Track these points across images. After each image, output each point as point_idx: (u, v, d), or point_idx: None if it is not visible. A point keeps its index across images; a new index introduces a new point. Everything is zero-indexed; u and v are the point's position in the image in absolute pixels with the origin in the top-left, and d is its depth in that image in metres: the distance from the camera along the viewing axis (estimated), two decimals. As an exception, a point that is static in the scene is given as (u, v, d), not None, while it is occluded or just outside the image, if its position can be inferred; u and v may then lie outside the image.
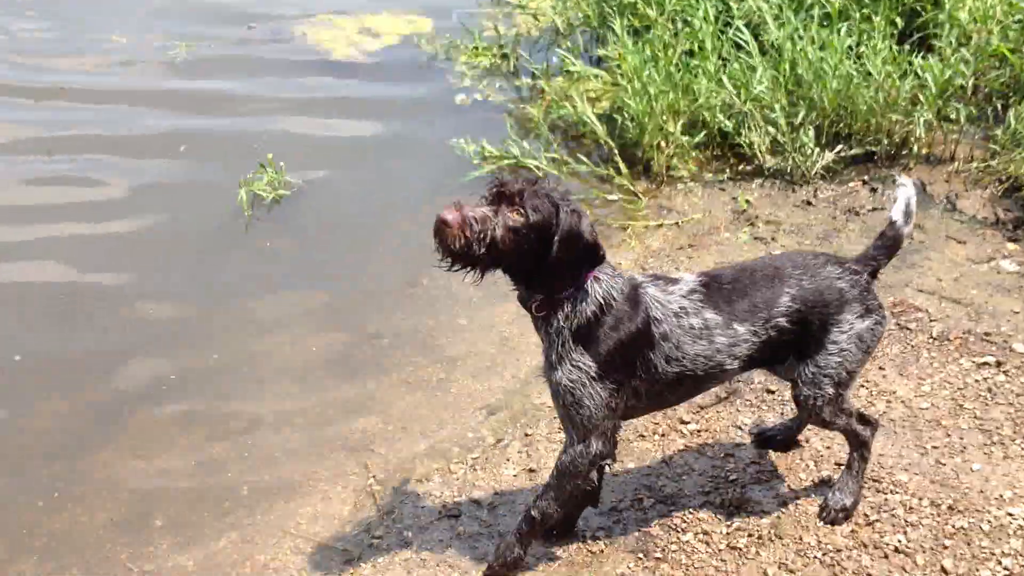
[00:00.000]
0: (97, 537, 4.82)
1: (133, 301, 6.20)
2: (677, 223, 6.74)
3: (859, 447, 4.52)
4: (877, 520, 4.53)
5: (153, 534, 4.83)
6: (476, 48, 8.71)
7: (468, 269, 3.95)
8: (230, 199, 6.99)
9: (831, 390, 4.26)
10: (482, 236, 3.84)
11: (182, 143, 7.69)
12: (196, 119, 8.01)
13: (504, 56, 8.59)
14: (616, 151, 7.16)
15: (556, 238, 3.86)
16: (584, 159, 7.23)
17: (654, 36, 7.48)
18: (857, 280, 4.24)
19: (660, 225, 6.74)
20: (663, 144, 7.13)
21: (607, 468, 4.56)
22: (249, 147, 7.55)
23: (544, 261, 3.91)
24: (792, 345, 4.23)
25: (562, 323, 4.03)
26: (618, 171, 7.07)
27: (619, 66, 7.43)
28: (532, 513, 4.33)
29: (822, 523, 4.55)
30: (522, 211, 3.86)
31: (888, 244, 4.32)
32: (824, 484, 4.74)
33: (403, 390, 5.64)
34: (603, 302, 4.00)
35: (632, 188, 7.02)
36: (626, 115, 7.25)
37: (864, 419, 4.48)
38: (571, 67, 7.86)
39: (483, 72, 8.52)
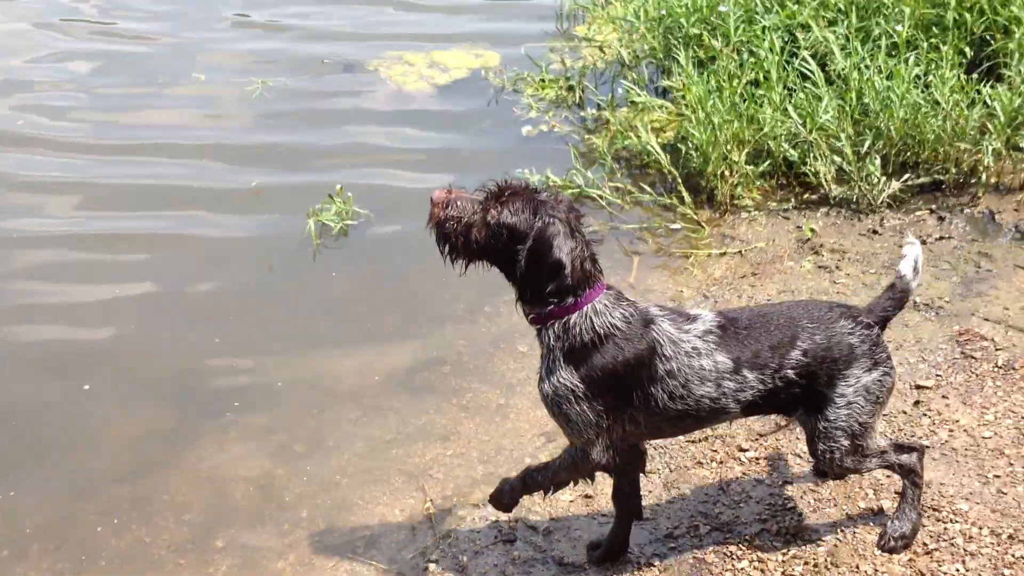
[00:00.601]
0: (158, 558, 4.91)
1: (200, 329, 6.33)
2: (740, 252, 6.72)
3: (906, 475, 4.46)
4: (936, 549, 4.46)
5: (214, 555, 4.92)
6: (543, 80, 8.78)
7: (450, 254, 4.10)
8: (299, 229, 7.12)
9: (846, 443, 4.23)
10: (457, 220, 4.01)
11: (254, 177, 7.85)
12: (269, 152, 8.18)
13: (570, 88, 8.66)
14: (680, 180, 7.17)
15: (524, 246, 3.92)
16: (648, 188, 7.25)
17: (719, 67, 7.48)
18: (868, 335, 4.22)
19: (723, 253, 6.73)
20: (727, 173, 7.12)
21: (644, 476, 4.59)
22: (318, 178, 7.69)
23: (521, 269, 3.98)
24: (799, 397, 4.22)
25: (553, 342, 4.05)
26: (681, 200, 7.08)
27: (684, 96, 7.44)
28: (526, 479, 4.39)
29: (880, 552, 4.49)
30: (499, 209, 3.95)
31: (897, 297, 4.34)
32: (883, 513, 4.68)
33: (463, 415, 5.68)
34: (601, 332, 4.00)
35: (695, 217, 7.02)
36: (690, 145, 7.26)
37: (902, 448, 4.41)
38: (636, 98, 7.90)
39: (549, 104, 8.59)
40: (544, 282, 3.97)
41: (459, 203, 4.04)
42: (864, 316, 4.27)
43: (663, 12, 8.24)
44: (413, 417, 5.68)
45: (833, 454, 4.25)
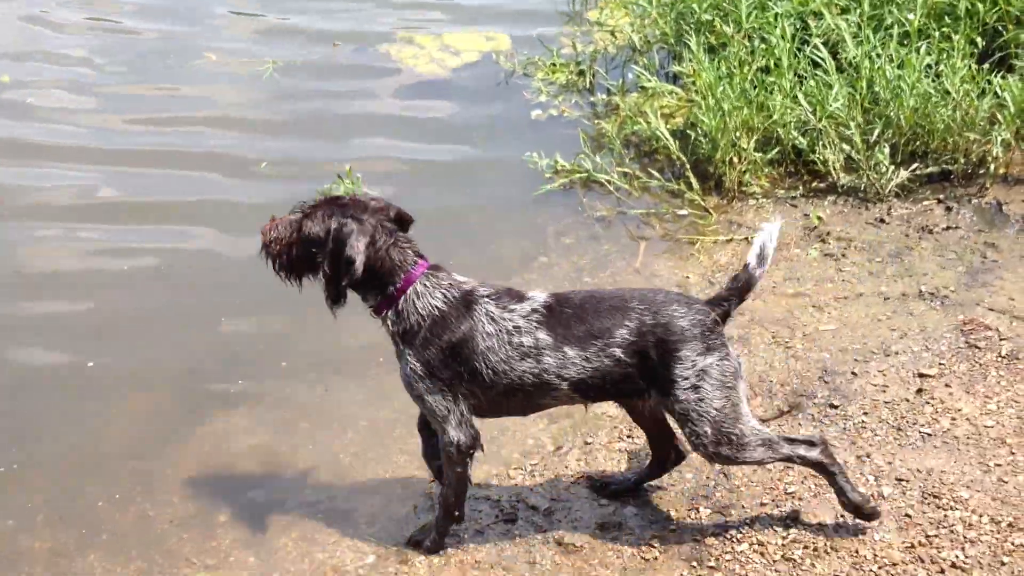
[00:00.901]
0: (162, 532, 4.94)
1: (207, 310, 6.34)
2: (747, 238, 6.72)
3: (814, 467, 4.48)
4: (935, 536, 4.47)
5: (216, 530, 4.95)
6: (553, 65, 8.78)
7: (281, 273, 4.49)
8: (308, 209, 7.12)
9: (709, 429, 4.29)
10: (278, 242, 4.42)
11: (263, 159, 7.86)
12: (279, 134, 8.20)
13: (581, 73, 8.66)
14: (688, 166, 7.17)
15: (325, 250, 4.31)
16: (656, 174, 7.26)
17: (730, 53, 7.49)
18: (701, 320, 4.29)
19: (730, 240, 6.74)
20: (735, 160, 7.12)
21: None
22: (329, 160, 7.70)
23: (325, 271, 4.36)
24: (642, 379, 4.31)
25: (391, 328, 4.40)
26: (689, 186, 7.09)
27: (694, 82, 7.45)
28: (441, 503, 4.63)
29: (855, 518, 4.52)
30: (305, 223, 4.36)
31: (740, 286, 4.40)
32: (883, 498, 4.69)
33: (467, 397, 5.69)
34: (424, 313, 4.32)
35: (703, 203, 7.02)
36: (699, 131, 7.26)
37: (797, 442, 4.43)
38: (646, 83, 7.90)
39: (559, 88, 8.59)
40: (349, 279, 4.32)
41: (279, 227, 4.43)
42: (700, 304, 4.35)
43: (675, -3, 8.23)
44: (417, 397, 5.69)
45: (700, 439, 4.33)
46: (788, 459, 4.42)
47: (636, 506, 4.87)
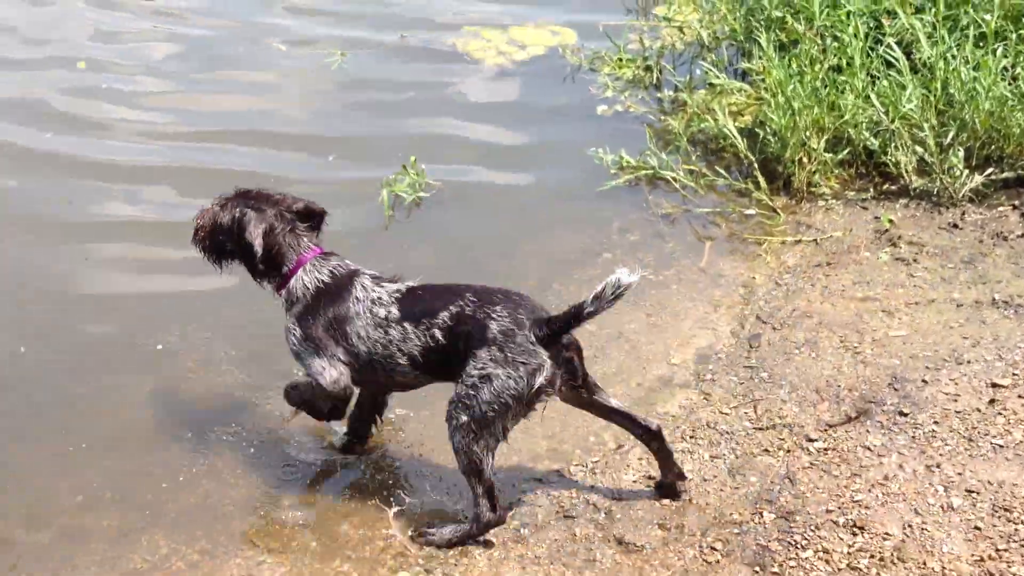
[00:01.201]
0: (226, 512, 5.00)
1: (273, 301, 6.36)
2: (815, 240, 6.64)
3: (473, 517, 4.67)
4: (1006, 550, 4.39)
5: (280, 513, 4.99)
6: (620, 60, 8.70)
7: (207, 258, 5.02)
8: (372, 200, 7.14)
9: (464, 417, 4.48)
10: (203, 229, 4.97)
11: (332, 150, 7.87)
12: (346, 124, 8.20)
13: (648, 68, 8.57)
14: (756, 165, 7.08)
15: (231, 237, 4.87)
16: (723, 172, 7.18)
17: (801, 51, 7.38)
18: (512, 331, 4.45)
19: (798, 241, 6.65)
20: (805, 160, 7.03)
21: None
22: (394, 151, 7.69)
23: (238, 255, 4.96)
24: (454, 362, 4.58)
25: (285, 305, 4.91)
26: (757, 185, 7.00)
27: (763, 80, 7.36)
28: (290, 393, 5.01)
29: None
30: (218, 214, 4.91)
31: (568, 317, 4.46)
32: (951, 510, 4.61)
33: (528, 392, 5.67)
34: (311, 286, 4.81)
35: (770, 203, 6.94)
36: (768, 130, 7.17)
37: (492, 496, 4.62)
38: (715, 80, 7.81)
39: (626, 84, 8.51)
40: (252, 260, 4.86)
41: (204, 217, 4.99)
42: (528, 316, 4.49)
43: (746, -7, 8.13)
44: (479, 390, 5.68)
45: (452, 421, 4.54)
46: (471, 488, 4.66)
47: (698, 508, 4.83)
